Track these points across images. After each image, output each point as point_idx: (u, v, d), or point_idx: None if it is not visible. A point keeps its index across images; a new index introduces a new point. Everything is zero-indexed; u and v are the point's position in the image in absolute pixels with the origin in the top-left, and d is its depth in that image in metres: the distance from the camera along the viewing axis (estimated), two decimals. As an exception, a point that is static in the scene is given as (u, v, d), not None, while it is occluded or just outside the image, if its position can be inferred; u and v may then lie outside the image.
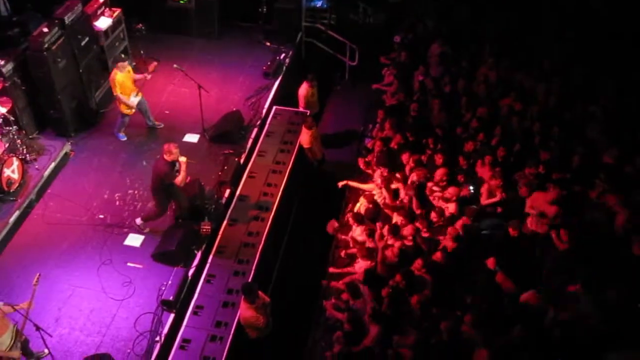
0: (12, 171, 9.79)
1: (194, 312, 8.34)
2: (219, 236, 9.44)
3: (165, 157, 8.88)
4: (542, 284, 7.91)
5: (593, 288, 7.58)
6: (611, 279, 7.76)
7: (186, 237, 9.37)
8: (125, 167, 11.00)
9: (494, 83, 11.68)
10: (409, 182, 9.94)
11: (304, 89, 12.12)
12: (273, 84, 13.20)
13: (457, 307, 7.88)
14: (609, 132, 10.02)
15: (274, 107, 12.14)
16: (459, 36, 13.00)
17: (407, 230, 8.96)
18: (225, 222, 9.66)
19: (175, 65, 11.21)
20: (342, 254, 9.50)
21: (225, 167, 10.57)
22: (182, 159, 9.01)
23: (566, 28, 12.39)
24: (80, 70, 11.42)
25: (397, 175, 10.10)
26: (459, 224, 8.91)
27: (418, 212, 9.42)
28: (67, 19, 10.90)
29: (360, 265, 8.89)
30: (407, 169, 10.19)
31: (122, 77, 10.74)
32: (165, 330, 8.45)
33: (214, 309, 8.36)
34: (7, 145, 9.90)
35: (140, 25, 14.38)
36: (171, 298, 8.52)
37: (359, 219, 9.38)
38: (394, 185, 10.00)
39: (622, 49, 11.49)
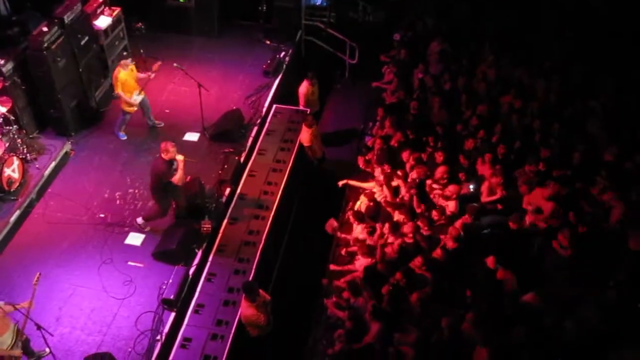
0: (13, 170, 9.79)
1: (195, 311, 8.35)
2: (219, 235, 9.44)
3: (163, 155, 8.87)
4: (543, 286, 7.90)
5: (593, 288, 7.60)
6: (611, 277, 7.78)
7: (187, 236, 9.37)
8: (125, 166, 11.00)
9: (493, 80, 11.68)
10: (409, 179, 9.94)
11: (304, 87, 12.12)
12: (273, 82, 13.19)
13: (458, 305, 7.89)
14: (609, 129, 10.02)
15: (274, 106, 12.14)
16: (458, 34, 13.00)
17: (407, 228, 8.97)
18: (225, 221, 9.66)
19: (175, 64, 11.21)
20: (343, 252, 9.50)
21: (226, 166, 10.56)
22: (180, 158, 9.01)
23: (566, 26, 12.38)
24: (80, 70, 11.42)
25: (398, 172, 10.10)
26: (459, 223, 8.91)
27: (419, 210, 9.43)
28: (67, 18, 10.89)
29: (361, 262, 8.89)
30: (407, 166, 10.19)
31: (125, 75, 10.74)
32: (166, 329, 8.45)
33: (214, 308, 8.36)
34: (7, 144, 9.89)
35: (140, 24, 14.37)
36: (172, 297, 8.52)
37: (360, 217, 9.38)
38: (394, 183, 10.01)
39: (621, 47, 11.48)
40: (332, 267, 9.30)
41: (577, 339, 7.21)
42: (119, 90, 10.79)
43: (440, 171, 9.67)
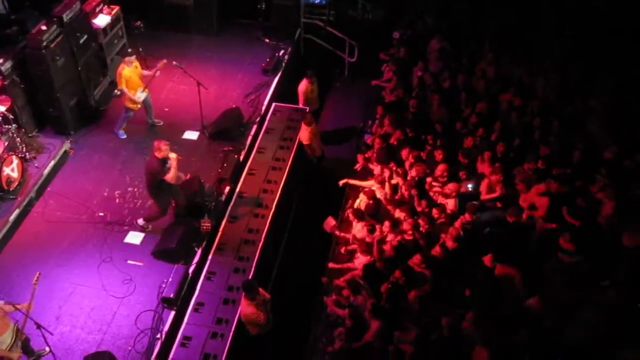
0: (12, 169, 9.78)
1: (195, 309, 8.35)
2: (219, 233, 9.44)
3: (156, 154, 8.87)
4: (543, 283, 7.89)
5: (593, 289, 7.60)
6: (608, 276, 7.78)
7: (186, 235, 9.37)
8: (125, 164, 10.99)
9: (492, 78, 11.67)
10: (408, 177, 9.94)
11: (303, 86, 12.11)
12: (272, 80, 13.18)
13: (457, 304, 7.89)
14: (608, 128, 10.01)
15: (273, 104, 12.13)
16: (458, 32, 12.98)
17: (407, 225, 8.98)
18: (225, 219, 9.66)
19: (174, 63, 11.19)
20: (342, 250, 9.51)
21: (225, 164, 10.55)
22: (173, 156, 9.01)
23: (566, 25, 12.37)
24: (79, 68, 11.41)
25: (398, 170, 10.10)
26: (459, 222, 8.90)
27: (419, 209, 9.43)
28: (66, 16, 10.88)
29: (361, 260, 8.89)
30: (406, 164, 10.19)
31: (129, 72, 10.72)
32: (166, 327, 8.45)
33: (214, 306, 8.37)
34: (6, 143, 9.89)
35: (139, 22, 14.39)
36: (172, 295, 8.52)
37: (359, 215, 9.38)
38: (394, 181, 10.01)
39: (621, 46, 11.47)
40: (332, 265, 9.30)
41: (577, 340, 7.20)
42: (123, 87, 10.77)
43: (440, 169, 9.67)
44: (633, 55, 11.17)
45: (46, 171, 10.56)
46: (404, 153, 10.31)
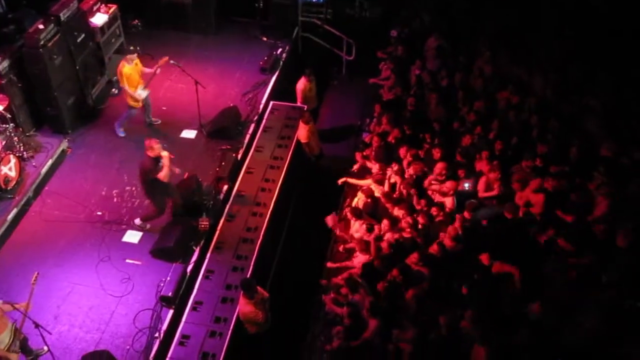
0: (10, 169, 9.77)
1: (193, 308, 8.36)
2: (217, 232, 9.45)
3: (148, 153, 8.88)
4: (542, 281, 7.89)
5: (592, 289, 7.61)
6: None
7: (184, 234, 9.37)
8: (122, 163, 10.98)
9: (490, 76, 11.67)
10: (406, 175, 9.95)
11: (301, 84, 12.10)
12: (270, 79, 13.18)
13: (455, 302, 7.89)
14: (607, 126, 10.01)
15: (271, 103, 12.14)
16: (455, 30, 12.98)
17: (405, 223, 8.99)
18: (223, 218, 9.66)
19: (172, 61, 11.18)
20: (341, 248, 9.51)
21: (223, 163, 10.56)
22: (165, 154, 9.00)
23: (565, 25, 12.35)
24: (77, 67, 11.40)
25: (395, 167, 10.11)
26: (458, 223, 8.89)
27: (418, 207, 9.43)
28: (63, 15, 10.87)
29: (359, 259, 8.90)
30: (404, 163, 10.19)
31: (130, 69, 10.69)
32: (165, 326, 8.45)
33: (212, 305, 8.38)
34: (4, 142, 9.87)
35: (137, 21, 14.37)
36: (170, 294, 8.52)
37: (357, 213, 9.39)
38: (392, 179, 10.01)
39: (621, 45, 11.46)
40: (330, 264, 9.31)
41: (577, 340, 7.21)
42: (124, 85, 10.75)
43: (439, 167, 9.67)
44: (633, 54, 11.16)
45: (44, 170, 10.55)
46: (402, 151, 10.31)
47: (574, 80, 11.10)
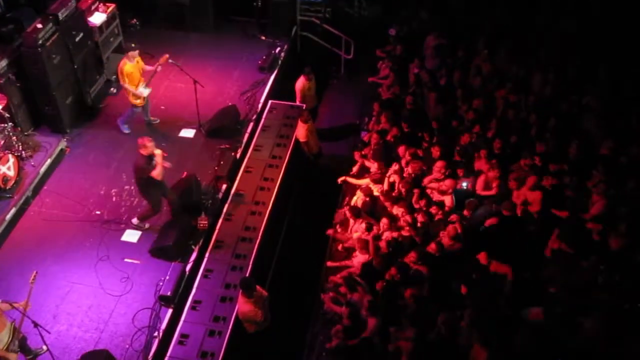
0: (8, 168, 9.76)
1: (192, 307, 8.35)
2: (216, 231, 9.45)
3: (141, 151, 8.86)
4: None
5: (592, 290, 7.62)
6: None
7: (183, 232, 9.37)
8: (121, 162, 10.96)
9: (488, 75, 11.67)
10: (405, 174, 9.95)
11: (300, 83, 12.10)
12: (268, 78, 13.16)
13: (453, 302, 7.89)
14: (605, 124, 10.01)
15: (270, 101, 12.12)
16: (454, 29, 12.97)
17: (403, 221, 8.98)
18: (222, 217, 9.66)
19: (170, 60, 11.16)
20: (340, 247, 9.51)
21: (222, 162, 10.56)
22: (158, 152, 8.99)
23: (564, 23, 12.35)
24: (75, 66, 11.38)
25: (396, 167, 10.11)
26: (457, 221, 8.91)
27: (417, 206, 9.43)
28: (61, 14, 10.86)
29: (358, 258, 8.90)
30: (403, 162, 10.19)
31: (131, 67, 10.66)
32: (164, 325, 8.45)
33: (212, 304, 8.37)
34: (2, 142, 9.87)
35: (135, 20, 14.34)
36: (169, 293, 8.52)
37: (356, 212, 9.39)
38: (391, 178, 10.02)
39: (619, 44, 11.45)
40: (330, 263, 9.31)
41: (577, 340, 7.21)
42: (124, 83, 10.73)
43: (438, 166, 9.67)
44: (631, 52, 11.15)
45: (42, 170, 10.55)
46: (401, 150, 10.31)
47: (573, 79, 11.10)
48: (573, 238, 8.12)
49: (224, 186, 10.38)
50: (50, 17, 10.66)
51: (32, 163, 10.49)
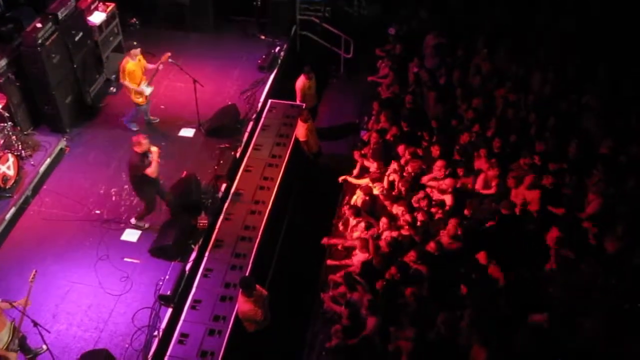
0: (8, 167, 9.76)
1: (192, 307, 8.35)
2: (215, 230, 9.44)
3: (136, 149, 8.84)
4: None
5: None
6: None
7: (183, 232, 9.37)
8: (121, 162, 10.92)
9: (487, 74, 11.67)
10: (404, 173, 9.95)
11: (300, 82, 12.11)
12: (268, 77, 13.16)
13: (453, 301, 7.88)
14: (604, 124, 10.01)
15: (270, 101, 12.12)
16: (453, 28, 12.97)
17: (403, 220, 8.98)
18: (222, 216, 9.65)
19: (170, 60, 11.17)
20: (340, 247, 9.51)
21: (222, 161, 10.56)
22: (154, 149, 8.98)
23: (563, 22, 12.35)
24: (75, 66, 11.38)
25: (395, 166, 10.11)
26: (457, 219, 8.91)
27: (417, 205, 9.43)
28: (61, 14, 10.85)
29: (358, 257, 8.90)
30: (402, 161, 10.19)
31: (133, 65, 10.66)
32: (163, 325, 8.45)
33: (211, 303, 8.37)
34: (2, 141, 9.87)
35: (134, 19, 14.34)
36: (169, 293, 8.53)
37: (356, 211, 9.39)
38: (391, 177, 10.02)
39: (619, 43, 11.45)
40: (330, 262, 9.31)
41: (578, 340, 7.21)
42: (124, 81, 10.72)
43: (438, 165, 9.67)
44: (631, 52, 11.15)
45: (42, 169, 10.55)
46: (400, 149, 10.31)
47: (572, 78, 11.10)
48: (571, 242, 8.11)
49: (224, 185, 10.38)
50: (50, 16, 10.66)
51: (32, 162, 10.49)
